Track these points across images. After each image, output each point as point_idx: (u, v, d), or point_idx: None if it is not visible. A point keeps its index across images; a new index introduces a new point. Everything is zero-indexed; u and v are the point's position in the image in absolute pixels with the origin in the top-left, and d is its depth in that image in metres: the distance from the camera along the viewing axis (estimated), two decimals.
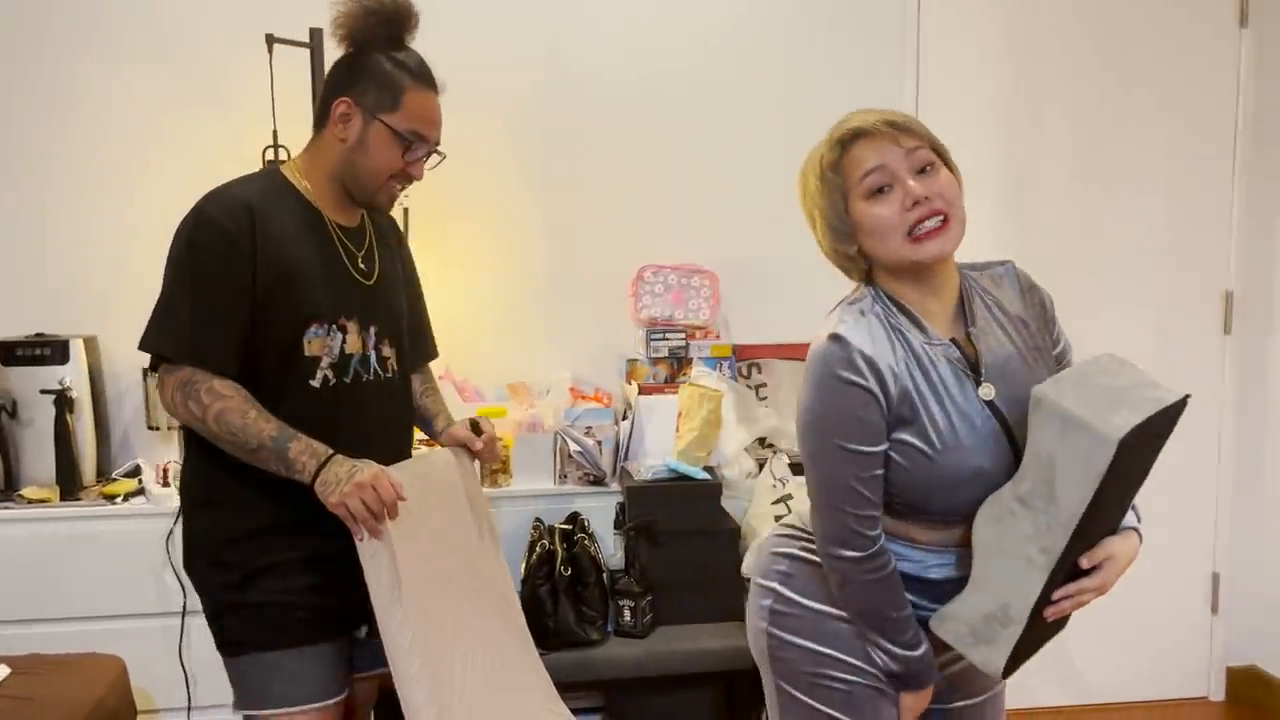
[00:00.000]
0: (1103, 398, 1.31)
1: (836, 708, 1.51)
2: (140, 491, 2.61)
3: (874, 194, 1.43)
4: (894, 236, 1.41)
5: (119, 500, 2.56)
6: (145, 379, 2.72)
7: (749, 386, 3.01)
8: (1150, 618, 3.22)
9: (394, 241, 1.92)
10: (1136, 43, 3.09)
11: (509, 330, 2.99)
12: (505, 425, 2.70)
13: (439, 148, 1.78)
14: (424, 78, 1.73)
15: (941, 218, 1.40)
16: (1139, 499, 1.52)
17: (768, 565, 1.60)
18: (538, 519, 2.62)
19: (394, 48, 1.71)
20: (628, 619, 2.49)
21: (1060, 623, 1.51)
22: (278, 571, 1.67)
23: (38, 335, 2.69)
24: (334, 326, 1.69)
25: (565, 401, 2.82)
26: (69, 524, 2.50)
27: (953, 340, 1.46)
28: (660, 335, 2.93)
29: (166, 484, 2.59)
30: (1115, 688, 3.24)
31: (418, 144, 1.73)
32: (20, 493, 2.58)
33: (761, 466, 2.72)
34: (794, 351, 3.06)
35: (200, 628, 2.05)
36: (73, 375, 2.62)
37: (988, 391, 1.43)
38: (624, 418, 2.81)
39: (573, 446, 2.68)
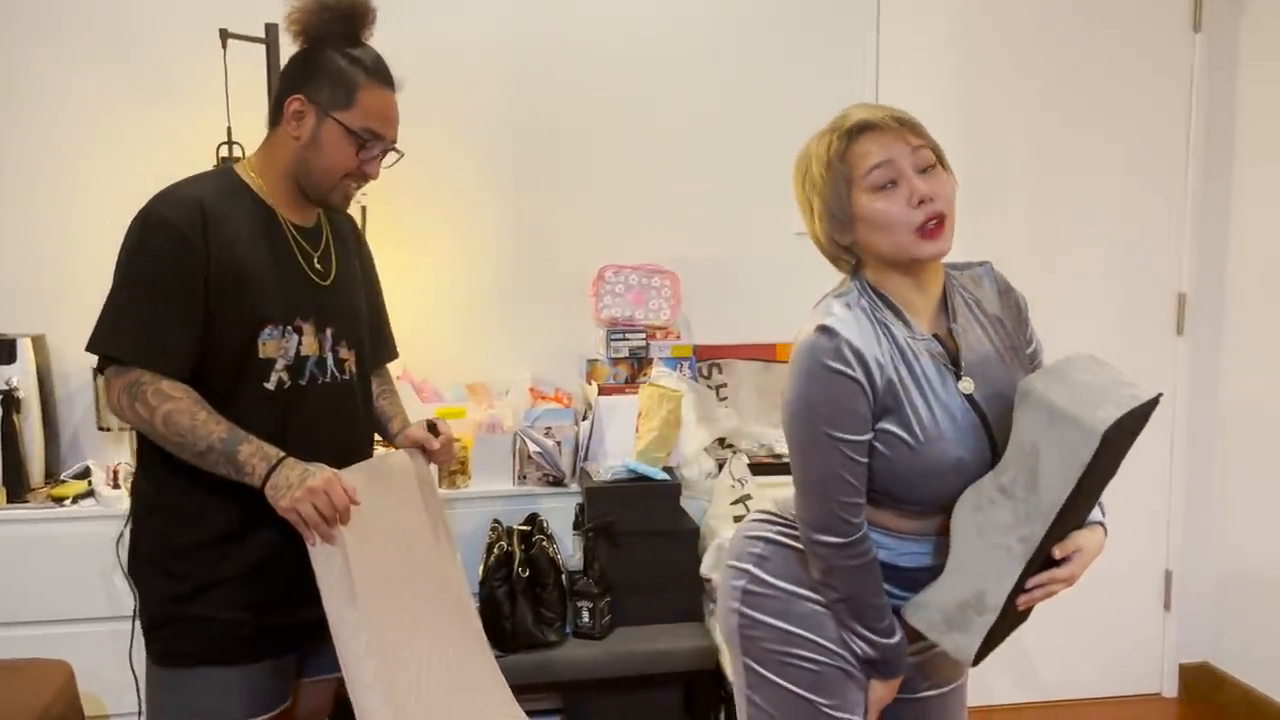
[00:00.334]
0: (1087, 392, 1.36)
1: (804, 687, 1.53)
2: (90, 493, 2.56)
3: (879, 188, 1.45)
4: (901, 232, 1.44)
5: (68, 502, 2.50)
6: (95, 379, 2.66)
7: (709, 387, 3.02)
8: (1105, 615, 3.26)
9: (352, 241, 1.89)
10: (1091, 47, 3.12)
11: (468, 330, 2.97)
12: (464, 426, 2.68)
13: (396, 146, 1.75)
14: (379, 74, 1.70)
15: (941, 216, 1.44)
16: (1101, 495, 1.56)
17: (742, 548, 1.63)
18: (496, 520, 2.61)
19: (349, 44, 1.68)
20: (586, 620, 2.48)
21: (1025, 614, 1.56)
22: (227, 586, 1.64)
23: None
24: (289, 328, 1.66)
25: (525, 402, 2.81)
26: (16, 527, 2.45)
27: (935, 335, 1.50)
28: (621, 335, 2.92)
29: (117, 486, 2.54)
30: (1071, 684, 3.28)
31: (372, 142, 1.69)
32: None
33: (721, 467, 2.72)
34: (755, 352, 3.07)
35: None
36: (20, 375, 2.57)
37: (967, 386, 1.47)
38: (584, 418, 2.80)
39: (532, 447, 2.67)
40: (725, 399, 3.03)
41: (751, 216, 3.08)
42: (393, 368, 2.56)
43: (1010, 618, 1.49)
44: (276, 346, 1.64)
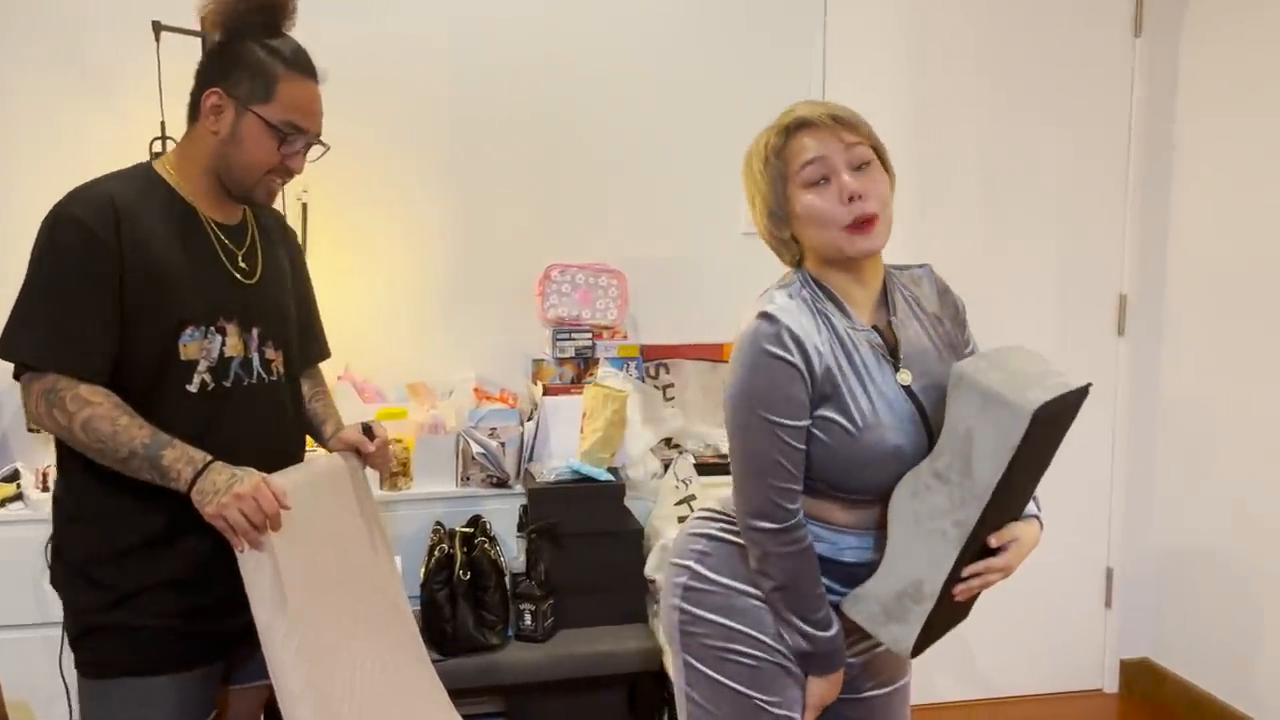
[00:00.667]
0: (1018, 377, 1.40)
1: (742, 682, 1.54)
2: (19, 497, 2.49)
3: (812, 184, 1.48)
4: (830, 228, 1.47)
5: None
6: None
7: (657, 387, 3.00)
8: (1047, 612, 3.30)
9: (280, 238, 1.84)
10: (1036, 51, 3.15)
11: (412, 329, 2.93)
12: (406, 427, 2.65)
13: (321, 139, 1.71)
14: (299, 65, 1.65)
15: (871, 216, 1.47)
16: (1039, 491, 1.59)
17: (685, 545, 1.64)
18: (438, 523, 2.58)
19: (269, 35, 1.64)
20: (528, 623, 2.46)
21: (965, 608, 1.58)
22: (153, 593, 1.59)
23: None
24: (212, 329, 1.62)
25: (469, 402, 2.78)
26: None
27: (874, 328, 1.53)
28: (567, 335, 2.90)
29: (46, 489, 2.48)
30: (1013, 681, 3.31)
31: (294, 136, 1.64)
32: None
33: (667, 467, 2.72)
34: (703, 352, 3.06)
35: None
36: None
37: (905, 377, 1.50)
38: (529, 419, 2.77)
39: (475, 448, 2.64)
40: (672, 399, 3.02)
41: (700, 216, 3.07)
42: (334, 367, 2.51)
43: (949, 610, 1.51)
44: (198, 348, 1.60)
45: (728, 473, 2.11)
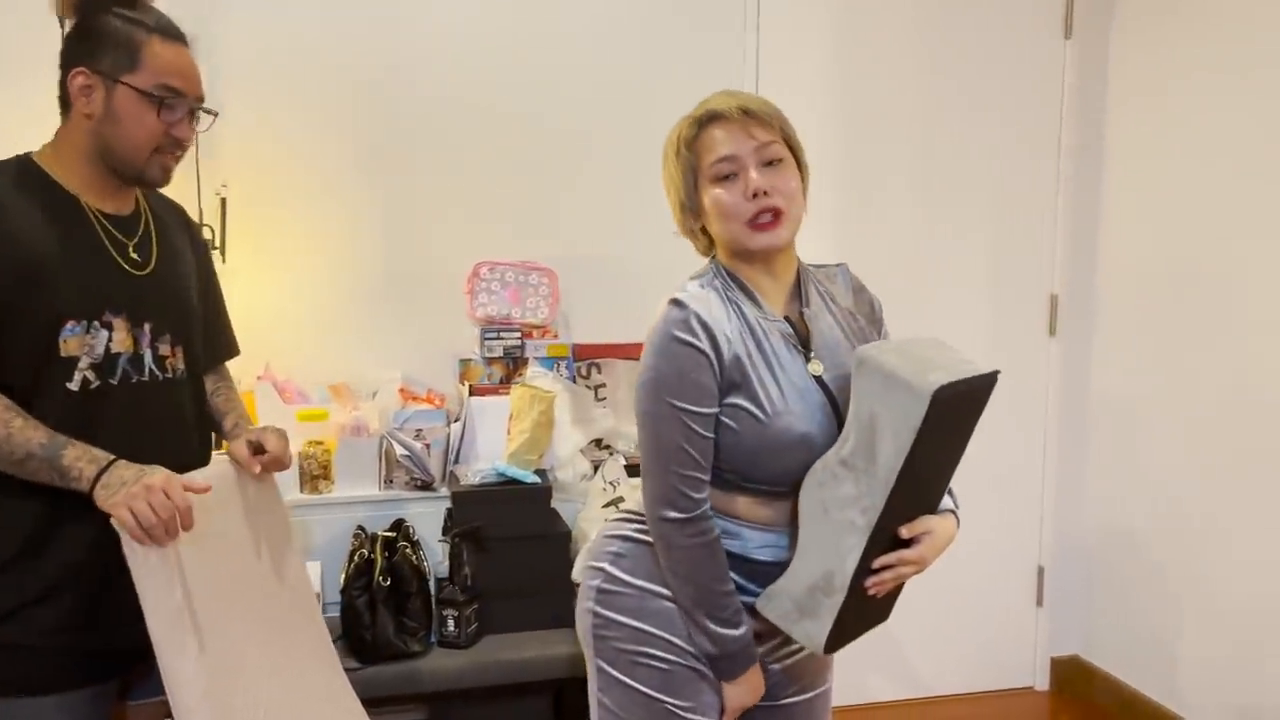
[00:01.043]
0: (920, 362, 1.40)
1: (654, 687, 1.51)
2: None
3: (721, 179, 1.49)
4: (733, 222, 1.49)
5: None
6: None
7: (588, 387, 2.96)
8: (978, 611, 3.31)
9: (180, 229, 1.76)
10: (966, 51, 3.16)
11: (335, 328, 2.85)
12: (328, 428, 2.58)
13: (206, 106, 1.62)
14: (164, 29, 1.56)
15: (775, 211, 1.47)
16: (958, 488, 1.58)
17: (600, 548, 1.62)
18: (360, 527, 2.51)
19: (125, 5, 1.55)
20: (451, 629, 2.40)
21: (884, 607, 1.57)
22: (36, 608, 1.50)
23: None
24: (96, 323, 1.53)
25: (394, 403, 2.71)
26: None
27: (786, 318, 1.53)
28: (496, 334, 2.84)
29: None
30: (944, 680, 3.32)
31: (173, 100, 1.55)
32: None
33: (597, 469, 2.67)
34: (634, 351, 3.01)
35: None
36: None
37: (816, 367, 1.51)
38: (456, 420, 2.71)
39: (399, 450, 2.57)
40: (604, 399, 2.97)
41: (633, 213, 3.02)
42: (255, 366, 2.41)
43: (864, 605, 1.49)
44: (80, 343, 1.52)
45: None
